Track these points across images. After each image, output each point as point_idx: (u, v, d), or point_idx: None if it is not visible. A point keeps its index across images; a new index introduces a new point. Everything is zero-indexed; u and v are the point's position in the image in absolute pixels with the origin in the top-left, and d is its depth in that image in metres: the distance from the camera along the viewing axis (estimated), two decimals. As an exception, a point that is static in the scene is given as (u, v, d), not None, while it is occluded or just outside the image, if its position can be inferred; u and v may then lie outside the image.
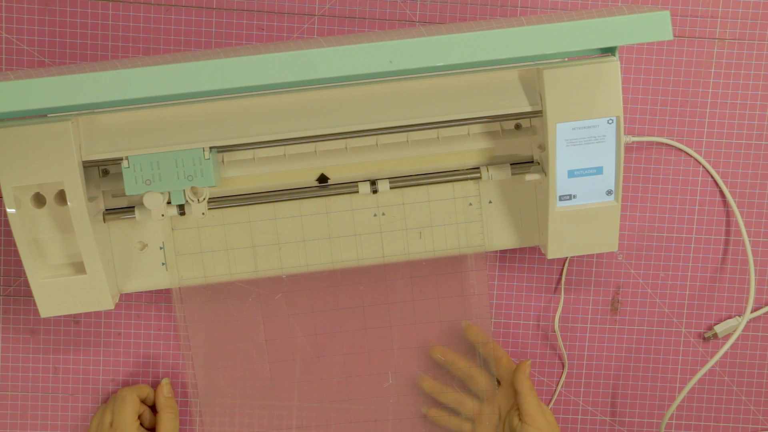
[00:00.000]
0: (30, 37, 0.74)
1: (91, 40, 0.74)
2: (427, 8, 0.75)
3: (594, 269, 0.79)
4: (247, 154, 0.71)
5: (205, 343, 0.78)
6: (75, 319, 0.78)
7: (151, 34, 0.75)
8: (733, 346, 0.80)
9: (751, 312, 0.79)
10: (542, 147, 0.71)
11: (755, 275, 0.78)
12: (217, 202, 0.72)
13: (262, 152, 0.72)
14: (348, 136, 0.70)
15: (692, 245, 0.79)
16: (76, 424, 0.79)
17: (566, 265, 0.79)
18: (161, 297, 0.78)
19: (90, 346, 0.78)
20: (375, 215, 0.74)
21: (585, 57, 0.69)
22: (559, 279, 0.79)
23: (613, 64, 0.67)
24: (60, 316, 0.78)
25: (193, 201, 0.70)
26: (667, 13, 0.58)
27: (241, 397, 0.79)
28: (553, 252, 0.73)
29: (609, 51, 0.68)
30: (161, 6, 0.75)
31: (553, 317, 0.79)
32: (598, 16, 0.59)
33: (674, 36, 0.76)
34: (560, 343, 0.79)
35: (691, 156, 0.78)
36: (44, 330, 0.78)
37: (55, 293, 0.70)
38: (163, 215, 0.70)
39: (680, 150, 0.78)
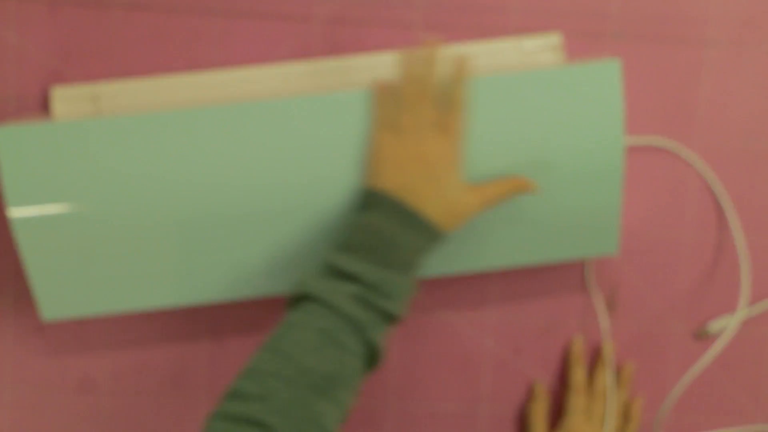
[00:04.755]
0: (30, 37, 0.74)
1: (91, 40, 0.74)
2: (428, 10, 0.75)
3: (593, 268, 0.80)
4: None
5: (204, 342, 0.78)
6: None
7: (151, 35, 0.74)
8: (727, 345, 0.81)
9: (744, 309, 0.80)
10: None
11: (749, 274, 0.79)
12: None
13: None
14: None
15: (687, 245, 0.80)
16: (76, 424, 0.79)
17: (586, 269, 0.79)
18: (161, 297, 0.78)
19: (90, 346, 0.78)
20: None
21: (585, 59, 0.69)
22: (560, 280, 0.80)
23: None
24: (60, 316, 0.77)
25: None
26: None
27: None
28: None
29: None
30: (161, 7, 0.74)
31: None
32: None
33: (669, 39, 0.77)
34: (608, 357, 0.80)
35: (685, 157, 0.78)
36: (46, 330, 0.78)
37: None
38: None
39: (675, 151, 0.78)
